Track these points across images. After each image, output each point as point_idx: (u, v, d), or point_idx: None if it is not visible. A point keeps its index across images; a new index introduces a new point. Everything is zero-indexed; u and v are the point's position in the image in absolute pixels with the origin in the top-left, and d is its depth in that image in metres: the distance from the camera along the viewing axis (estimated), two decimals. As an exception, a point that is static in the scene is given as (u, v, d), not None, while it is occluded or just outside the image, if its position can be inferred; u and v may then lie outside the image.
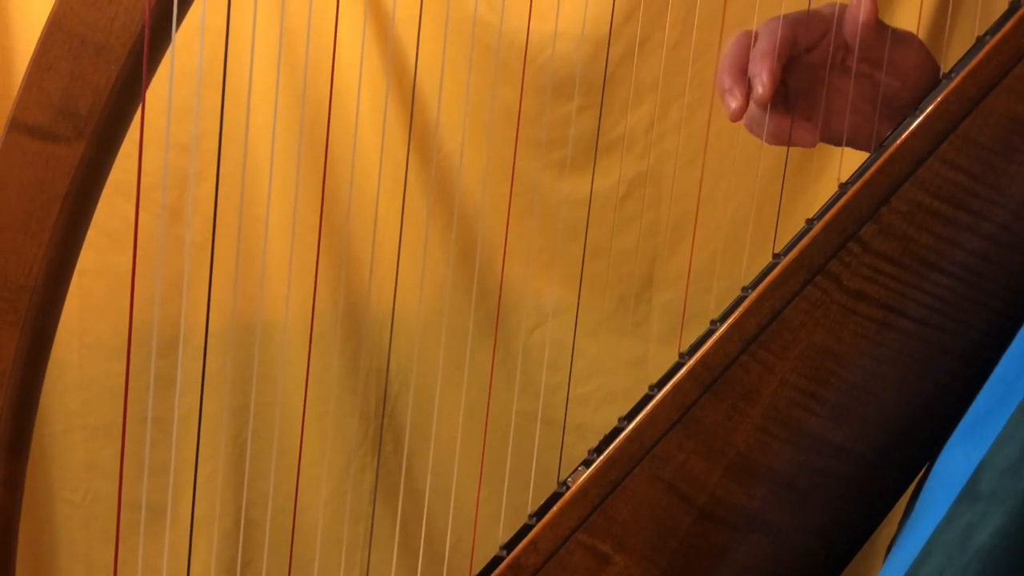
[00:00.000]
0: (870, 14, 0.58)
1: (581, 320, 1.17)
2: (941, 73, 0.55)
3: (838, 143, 0.63)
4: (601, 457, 0.54)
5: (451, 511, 1.08)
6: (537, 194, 1.15)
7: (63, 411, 1.13)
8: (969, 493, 0.42)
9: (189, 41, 0.52)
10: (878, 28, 0.59)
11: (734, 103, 0.59)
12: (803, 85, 0.62)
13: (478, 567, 0.57)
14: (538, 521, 0.55)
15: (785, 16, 0.60)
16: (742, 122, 0.62)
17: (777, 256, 0.55)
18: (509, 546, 0.56)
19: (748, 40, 0.60)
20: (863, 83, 0.61)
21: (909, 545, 0.45)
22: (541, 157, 1.15)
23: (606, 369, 1.17)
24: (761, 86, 0.58)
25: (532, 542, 0.55)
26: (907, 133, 0.53)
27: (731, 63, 0.59)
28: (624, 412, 0.56)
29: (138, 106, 0.50)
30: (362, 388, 1.18)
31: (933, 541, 0.43)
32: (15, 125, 0.48)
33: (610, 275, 1.20)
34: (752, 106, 0.60)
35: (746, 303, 0.54)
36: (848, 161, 0.61)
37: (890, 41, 0.59)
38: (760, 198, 1.13)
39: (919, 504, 0.49)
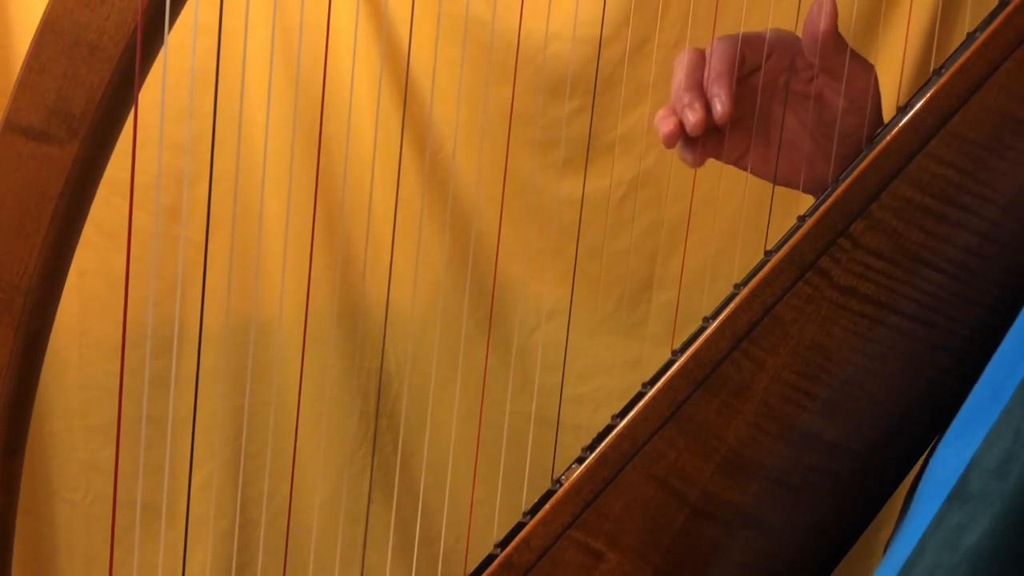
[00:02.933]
0: (830, 23, 0.59)
1: (579, 321, 1.17)
2: (933, 68, 0.55)
3: (775, 180, 0.64)
4: (593, 454, 0.55)
5: (448, 511, 1.08)
6: (534, 194, 1.15)
7: (63, 410, 1.13)
8: (959, 493, 0.42)
9: (183, 41, 0.52)
10: (836, 38, 0.60)
11: (693, 116, 0.60)
12: (744, 109, 0.63)
13: (474, 566, 0.58)
14: (531, 519, 0.55)
15: (731, 36, 0.61)
16: (678, 150, 0.63)
17: (768, 253, 0.55)
18: (503, 544, 0.56)
19: (701, 58, 0.61)
20: (805, 109, 0.62)
21: (902, 544, 0.45)
22: (538, 157, 1.16)
23: (604, 370, 1.17)
24: (720, 104, 0.59)
25: (525, 540, 0.55)
26: (897, 129, 0.53)
27: (688, 79, 0.61)
28: (620, 412, 0.56)
29: (132, 106, 0.50)
30: (359, 388, 1.19)
31: (924, 541, 0.43)
32: (9, 126, 0.48)
33: (608, 276, 1.20)
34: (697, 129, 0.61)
35: (737, 300, 0.54)
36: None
37: (848, 55, 0.60)
38: (759, 198, 1.13)
39: (913, 504, 0.49)
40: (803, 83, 0.62)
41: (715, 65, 0.60)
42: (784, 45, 0.62)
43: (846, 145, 0.59)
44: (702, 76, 0.61)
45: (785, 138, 0.63)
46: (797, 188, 0.64)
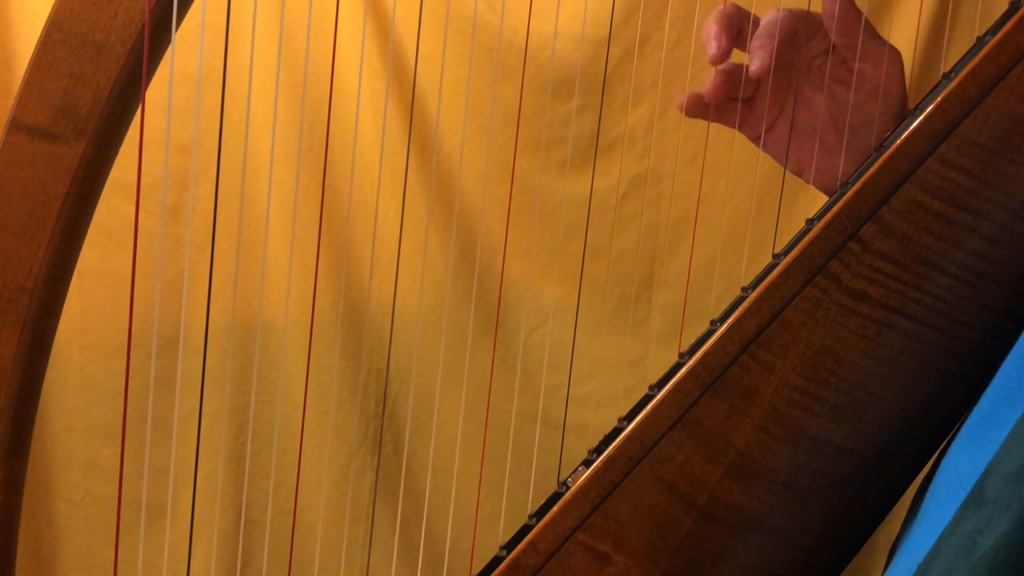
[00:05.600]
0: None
1: (581, 320, 1.17)
2: (942, 71, 0.55)
3: (786, 164, 0.64)
4: (601, 457, 0.54)
5: (451, 511, 1.08)
6: (537, 194, 1.15)
7: (63, 411, 1.13)
8: (975, 499, 0.42)
9: (189, 41, 0.52)
10: (853, 14, 0.59)
11: (713, 49, 0.60)
12: (780, 82, 0.63)
13: (478, 567, 0.57)
14: (538, 521, 0.55)
15: (791, 9, 0.61)
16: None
17: (777, 256, 0.55)
18: (509, 546, 0.56)
19: (743, 12, 0.61)
20: (832, 96, 0.62)
21: (914, 548, 0.45)
22: (541, 157, 1.15)
23: (606, 369, 1.17)
24: (759, 61, 0.59)
25: (532, 542, 0.55)
26: (907, 133, 0.53)
27: (723, 19, 0.61)
28: (624, 412, 0.56)
29: (138, 106, 0.50)
30: (362, 388, 1.18)
31: (939, 545, 0.43)
32: (15, 125, 0.48)
33: (610, 275, 1.20)
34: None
35: (746, 303, 0.54)
36: (848, 162, 0.61)
37: (867, 35, 0.59)
38: (760, 198, 1.13)
39: (923, 507, 0.49)
40: (833, 67, 0.62)
41: (766, 26, 0.60)
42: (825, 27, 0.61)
43: (862, 138, 0.59)
44: (739, 23, 0.61)
45: (807, 123, 0.63)
46: (807, 180, 0.64)
